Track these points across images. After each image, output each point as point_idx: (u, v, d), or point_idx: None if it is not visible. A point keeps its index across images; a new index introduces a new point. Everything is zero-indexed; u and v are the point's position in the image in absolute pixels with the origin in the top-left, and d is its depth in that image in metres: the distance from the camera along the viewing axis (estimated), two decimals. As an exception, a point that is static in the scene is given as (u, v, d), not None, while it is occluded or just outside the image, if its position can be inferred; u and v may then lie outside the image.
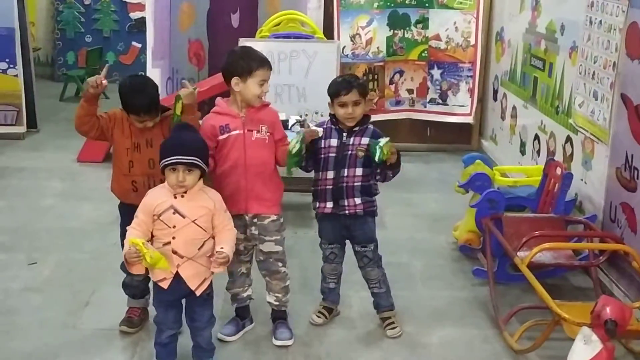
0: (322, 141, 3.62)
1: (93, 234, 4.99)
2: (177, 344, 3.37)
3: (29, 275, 4.34)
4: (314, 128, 3.63)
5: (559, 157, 4.99)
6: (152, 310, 3.80)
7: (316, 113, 5.99)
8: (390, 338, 3.76)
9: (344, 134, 3.61)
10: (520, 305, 3.97)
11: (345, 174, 3.62)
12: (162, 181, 3.36)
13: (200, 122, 3.53)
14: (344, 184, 3.62)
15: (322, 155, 3.63)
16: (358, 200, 3.65)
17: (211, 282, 3.29)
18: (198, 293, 3.21)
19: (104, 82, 3.40)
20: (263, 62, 3.47)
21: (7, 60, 7.20)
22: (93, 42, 10.67)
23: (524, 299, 4.14)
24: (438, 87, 7.21)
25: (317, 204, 3.72)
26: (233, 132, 3.47)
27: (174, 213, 3.11)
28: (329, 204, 3.67)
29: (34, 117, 7.67)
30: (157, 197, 3.14)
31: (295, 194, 5.66)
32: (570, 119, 4.81)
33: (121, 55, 10.90)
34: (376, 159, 3.47)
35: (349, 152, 3.60)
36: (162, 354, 3.32)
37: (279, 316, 3.77)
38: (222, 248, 3.14)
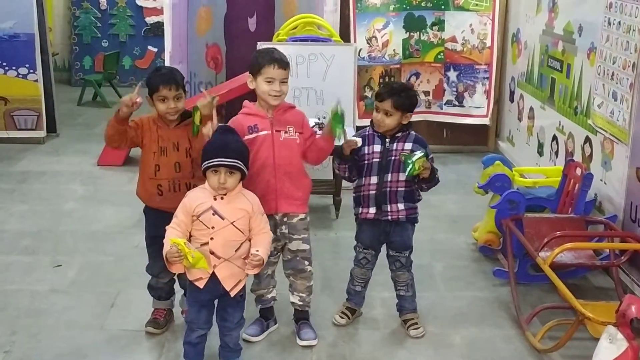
0: (366, 147, 3.65)
1: (116, 237, 5.04)
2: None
3: (55, 278, 4.40)
4: (353, 138, 3.63)
5: (577, 157, 5.00)
6: (176, 312, 3.87)
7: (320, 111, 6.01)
8: (413, 338, 3.79)
9: (387, 140, 3.64)
10: (542, 306, 3.99)
11: (389, 179, 3.64)
12: (188, 185, 3.42)
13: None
14: (387, 189, 3.65)
15: (366, 162, 3.66)
16: (401, 206, 3.68)
17: (244, 284, 3.34)
18: (233, 294, 3.26)
19: (139, 99, 3.42)
20: (272, 60, 3.49)
21: (27, 65, 7.27)
22: (109, 47, 10.75)
23: (545, 300, 4.16)
24: (454, 89, 7.23)
25: (360, 210, 3.74)
26: (262, 132, 3.52)
27: (213, 214, 3.16)
28: (372, 210, 3.69)
29: (54, 122, 7.73)
30: (197, 198, 3.19)
31: (315, 196, 5.71)
32: (589, 120, 4.83)
33: (137, 60, 10.97)
34: (406, 174, 3.50)
35: (393, 158, 3.62)
36: (191, 353, 3.37)
37: (302, 316, 3.81)
38: (257, 251, 3.18)
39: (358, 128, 5.31)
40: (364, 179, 3.69)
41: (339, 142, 3.61)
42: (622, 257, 4.05)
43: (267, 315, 3.82)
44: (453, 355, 3.66)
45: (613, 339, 2.80)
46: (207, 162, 3.14)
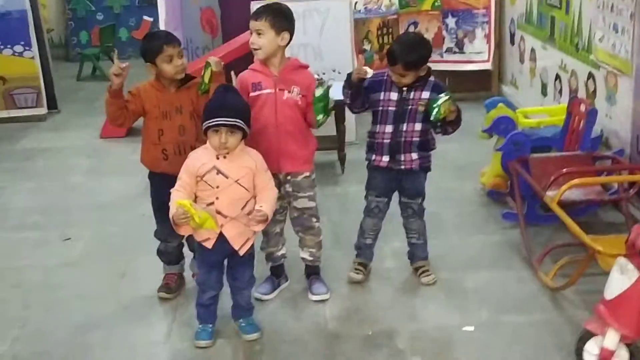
0: (382, 93, 3.57)
1: (123, 207, 5.04)
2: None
3: (65, 251, 4.41)
4: (364, 67, 3.47)
5: (581, 94, 4.95)
6: (187, 276, 3.88)
7: (334, 71, 5.96)
8: (425, 285, 3.79)
9: (404, 88, 3.55)
10: (552, 244, 3.98)
11: (405, 129, 3.58)
12: (192, 148, 3.39)
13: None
14: (402, 139, 3.60)
15: (381, 108, 3.59)
16: (415, 156, 3.64)
17: (253, 243, 3.33)
18: (242, 253, 3.25)
19: (124, 64, 3.39)
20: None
21: (22, 42, 7.23)
22: (105, 20, 10.69)
23: (555, 239, 4.15)
24: (454, 36, 7.14)
25: (373, 157, 3.68)
26: (265, 91, 3.47)
27: (217, 173, 3.14)
28: (385, 158, 3.64)
29: (54, 98, 7.72)
30: (200, 158, 3.17)
31: (319, 153, 5.67)
32: (591, 55, 4.76)
33: (133, 31, 10.89)
34: (432, 118, 3.44)
35: (409, 107, 3.55)
36: (204, 314, 3.38)
37: (313, 272, 3.80)
38: (261, 206, 3.17)
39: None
40: (378, 126, 3.62)
41: (316, 128, 3.55)
42: (631, 190, 4.01)
43: (277, 273, 3.82)
44: (466, 300, 3.66)
45: (624, 270, 2.78)
46: (207, 122, 3.11)
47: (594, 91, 4.78)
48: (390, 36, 7.02)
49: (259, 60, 3.52)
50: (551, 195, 3.68)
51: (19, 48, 7.25)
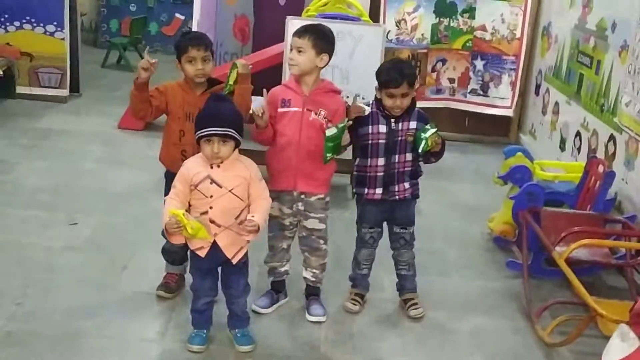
0: (369, 127, 3.60)
1: (132, 200, 5.06)
2: (213, 312, 3.43)
3: (70, 235, 4.43)
4: (361, 105, 3.58)
5: (600, 155, 4.96)
6: (188, 277, 3.88)
7: (358, 96, 5.96)
8: (413, 318, 3.79)
9: (392, 120, 3.60)
10: (553, 300, 3.98)
11: (397, 160, 3.62)
12: None
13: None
14: (395, 170, 3.63)
15: (370, 142, 3.61)
16: (407, 185, 3.68)
17: (247, 251, 3.33)
18: (234, 261, 3.26)
19: (154, 60, 3.41)
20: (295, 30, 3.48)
21: (55, 23, 7.29)
22: (137, 12, 10.78)
23: (556, 294, 4.15)
24: (480, 78, 7.18)
25: (366, 190, 3.69)
26: (292, 108, 3.50)
27: (210, 183, 3.14)
28: (379, 190, 3.67)
29: (77, 82, 7.77)
30: (193, 167, 3.18)
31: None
32: (616, 118, 4.78)
33: (164, 27, 10.97)
34: (420, 150, 3.49)
35: (399, 138, 3.59)
36: (199, 320, 3.38)
37: (313, 292, 3.81)
38: (253, 216, 3.15)
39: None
40: (369, 160, 3.64)
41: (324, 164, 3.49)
42: (639, 258, 4.02)
43: (278, 288, 3.83)
44: (461, 343, 3.65)
45: (625, 338, 2.78)
46: (199, 131, 3.12)
47: (614, 153, 4.80)
48: (417, 69, 7.06)
49: (294, 77, 3.55)
50: (559, 251, 3.69)
51: (51, 28, 7.30)
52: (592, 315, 3.24)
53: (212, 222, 3.17)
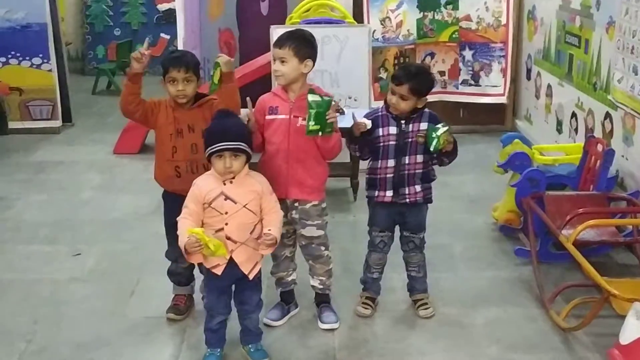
0: (380, 129, 3.56)
1: (134, 225, 5.04)
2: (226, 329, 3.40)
3: (74, 266, 4.40)
4: (362, 120, 3.53)
5: (598, 134, 4.93)
6: (197, 297, 3.86)
7: (349, 98, 5.97)
8: (423, 318, 3.77)
9: (402, 122, 3.56)
10: (565, 284, 3.95)
11: (407, 162, 3.58)
12: (205, 166, 3.39)
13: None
14: (406, 172, 3.59)
15: (381, 144, 3.58)
16: (418, 188, 3.64)
17: (261, 266, 3.32)
18: (251, 277, 3.25)
19: (147, 51, 3.41)
20: (275, 41, 3.47)
21: (40, 55, 7.27)
22: (122, 36, 10.74)
23: (567, 278, 4.12)
24: (470, 68, 7.16)
25: (376, 193, 3.66)
26: (280, 116, 3.48)
27: (225, 199, 3.13)
28: (389, 193, 3.63)
29: (69, 111, 7.74)
30: (206, 185, 3.16)
31: (332, 179, 5.67)
32: (609, 95, 4.76)
33: (150, 48, 10.94)
34: (431, 148, 3.44)
35: (409, 140, 3.55)
36: (213, 339, 3.36)
37: (323, 300, 3.78)
38: (269, 230, 3.16)
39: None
40: (379, 162, 3.62)
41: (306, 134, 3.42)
42: (646, 233, 4.00)
43: (287, 299, 3.80)
44: (476, 336, 3.63)
45: (640, 316, 2.76)
46: (210, 148, 3.10)
47: (611, 131, 4.78)
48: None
49: (280, 86, 3.53)
50: (566, 235, 3.67)
51: (37, 60, 7.28)
52: (606, 296, 3.21)
53: (228, 238, 3.15)
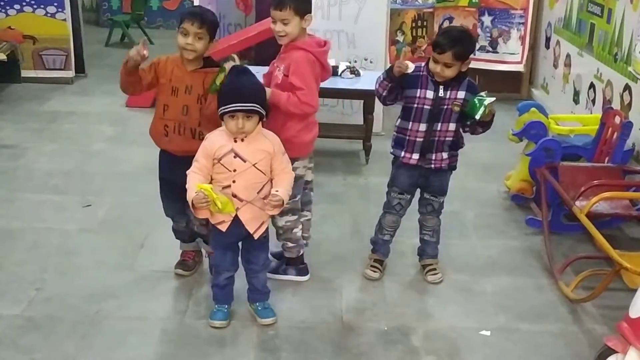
0: (418, 90, 3.48)
1: (144, 178, 5.00)
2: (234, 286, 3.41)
3: (84, 217, 4.40)
4: (406, 62, 3.41)
5: (616, 106, 4.87)
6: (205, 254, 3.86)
7: (365, 60, 5.92)
8: (431, 283, 3.77)
9: (441, 87, 3.47)
10: (576, 255, 3.93)
11: (439, 129, 3.52)
12: (193, 130, 3.35)
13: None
14: (436, 138, 3.54)
15: (415, 105, 3.50)
16: (445, 155, 3.59)
17: (267, 226, 3.30)
18: (256, 236, 3.22)
19: (145, 52, 3.29)
20: (273, 3, 3.40)
21: (55, 4, 7.19)
22: (137, -12, 10.62)
23: (577, 249, 4.11)
24: (488, 35, 7.06)
25: (402, 154, 3.60)
26: (272, 69, 3.55)
27: (234, 157, 3.10)
28: (415, 155, 3.58)
29: (82, 62, 7.69)
30: (217, 141, 3.13)
31: (345, 142, 5.65)
32: (630, 67, 4.68)
33: (165, 1, 10.83)
34: (477, 116, 3.37)
35: (445, 107, 3.48)
36: (220, 295, 3.36)
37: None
38: (277, 191, 3.13)
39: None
40: (411, 123, 3.53)
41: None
42: (660, 208, 3.97)
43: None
44: (484, 303, 3.62)
45: (652, 290, 2.74)
46: (223, 107, 3.06)
47: (629, 103, 4.71)
48: (424, 29, 6.95)
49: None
50: (580, 206, 3.64)
51: (51, 9, 7.21)
52: (617, 269, 3.19)
53: (234, 196, 3.13)
